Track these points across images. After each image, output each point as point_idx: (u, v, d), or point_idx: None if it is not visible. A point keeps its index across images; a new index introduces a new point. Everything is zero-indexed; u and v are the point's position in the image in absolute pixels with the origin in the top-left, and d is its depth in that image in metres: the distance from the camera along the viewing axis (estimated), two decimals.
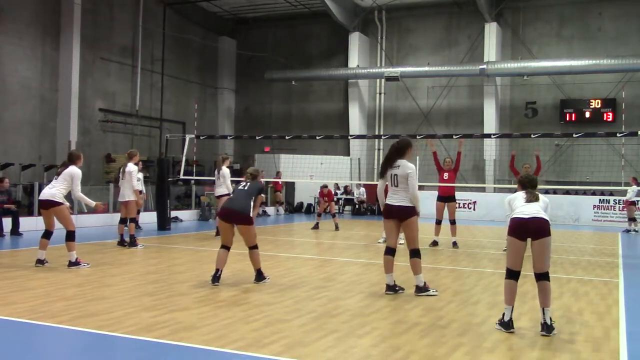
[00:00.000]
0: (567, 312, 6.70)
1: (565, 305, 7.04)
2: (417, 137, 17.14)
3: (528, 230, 5.84)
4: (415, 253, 7.38)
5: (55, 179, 9.06)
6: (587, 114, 22.33)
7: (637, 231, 18.01)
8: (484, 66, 22.55)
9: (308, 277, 8.63)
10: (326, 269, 9.52)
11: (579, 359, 4.97)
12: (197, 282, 7.96)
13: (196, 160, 20.76)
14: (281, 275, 8.70)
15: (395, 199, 7.41)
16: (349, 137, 22.72)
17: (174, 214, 17.54)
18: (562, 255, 12.16)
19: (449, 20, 24.90)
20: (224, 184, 13.41)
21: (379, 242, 13.41)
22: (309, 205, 24.67)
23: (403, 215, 7.35)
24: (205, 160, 25.23)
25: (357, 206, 24.32)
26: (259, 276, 8.06)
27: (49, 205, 8.85)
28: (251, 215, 7.91)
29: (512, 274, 5.93)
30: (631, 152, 20.76)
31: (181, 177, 16.87)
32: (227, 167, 13.84)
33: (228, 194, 12.95)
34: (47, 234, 9.03)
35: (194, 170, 19.92)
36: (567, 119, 22.56)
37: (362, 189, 24.32)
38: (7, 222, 13.35)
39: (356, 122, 25.38)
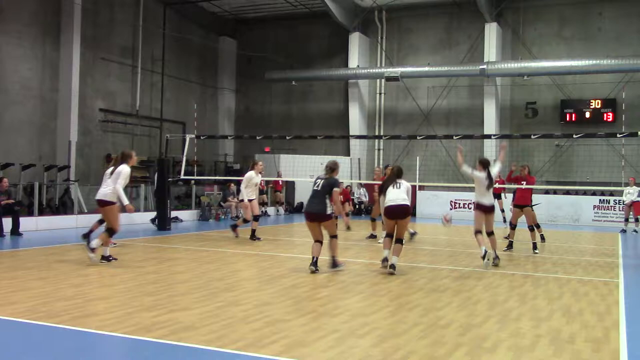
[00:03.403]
0: (567, 312, 6.70)
1: (566, 305, 7.04)
2: (418, 137, 17.18)
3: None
4: (401, 240, 9.12)
5: (109, 177, 9.45)
6: (587, 114, 22.32)
7: (636, 231, 18.01)
8: (484, 66, 22.54)
9: (308, 277, 8.63)
10: (326, 269, 9.51)
11: (579, 359, 4.97)
12: (197, 282, 7.96)
13: (196, 160, 20.76)
14: (281, 275, 8.70)
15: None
16: (349, 137, 22.72)
17: (174, 214, 17.52)
18: (562, 255, 12.16)
19: (449, 20, 24.90)
20: (242, 188, 13.19)
21: (379, 242, 13.40)
22: None
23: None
24: (205, 161, 25.25)
25: (356, 206, 24.31)
26: (334, 264, 8.97)
27: (102, 204, 9.38)
28: (331, 212, 8.93)
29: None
30: (631, 152, 20.76)
31: (181, 177, 16.88)
32: (258, 172, 13.34)
33: (249, 200, 12.90)
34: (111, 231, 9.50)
35: (195, 171, 19.93)
36: (567, 119, 22.54)
37: (363, 189, 24.29)
38: (7, 222, 13.33)
39: (356, 122, 25.38)
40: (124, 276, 8.35)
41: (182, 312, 6.17)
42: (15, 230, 13.38)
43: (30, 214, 15.26)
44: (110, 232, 9.32)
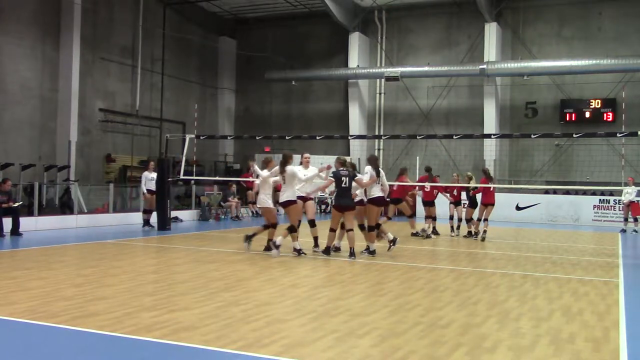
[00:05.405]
0: (567, 312, 6.70)
1: (565, 305, 7.04)
2: (418, 137, 17.17)
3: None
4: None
5: (283, 183, 10.70)
6: (587, 114, 22.32)
7: (636, 231, 18.01)
8: (484, 66, 22.54)
9: (308, 277, 8.63)
10: (326, 269, 9.52)
11: (579, 359, 4.97)
12: (197, 282, 7.95)
13: (196, 160, 20.73)
14: (281, 275, 8.70)
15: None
16: (349, 137, 22.72)
17: (174, 214, 17.51)
18: (562, 255, 12.16)
19: (449, 20, 24.90)
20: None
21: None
22: None
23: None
24: (205, 160, 25.22)
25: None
26: (351, 254, 10.36)
27: (287, 204, 10.66)
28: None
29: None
30: (631, 152, 20.75)
31: (181, 177, 16.86)
32: (306, 164, 11.78)
33: (304, 199, 11.44)
34: (292, 228, 10.74)
35: (194, 170, 19.89)
36: (567, 119, 22.54)
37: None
38: (7, 222, 13.32)
39: (356, 122, 25.37)
40: (123, 276, 8.35)
41: (182, 312, 6.17)
42: (15, 230, 13.36)
43: (30, 214, 15.25)
44: (292, 228, 10.61)
